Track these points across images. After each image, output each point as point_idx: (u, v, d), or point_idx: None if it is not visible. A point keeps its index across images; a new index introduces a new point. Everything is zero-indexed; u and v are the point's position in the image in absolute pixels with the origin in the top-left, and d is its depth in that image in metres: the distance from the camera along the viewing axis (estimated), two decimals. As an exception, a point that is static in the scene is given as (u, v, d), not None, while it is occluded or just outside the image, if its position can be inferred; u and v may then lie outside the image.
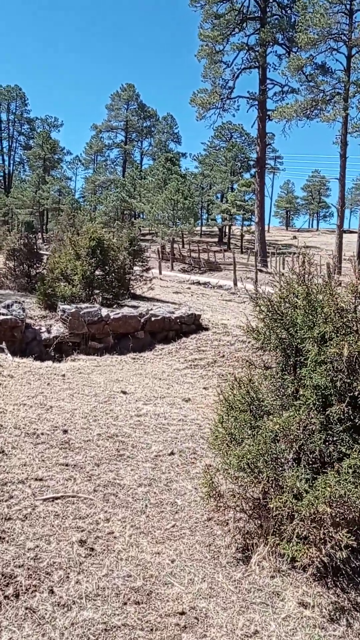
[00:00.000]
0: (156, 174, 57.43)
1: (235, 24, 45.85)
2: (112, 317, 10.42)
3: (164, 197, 48.16)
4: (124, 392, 7.45)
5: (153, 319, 10.87)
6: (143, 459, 5.05)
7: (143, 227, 65.04)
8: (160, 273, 33.69)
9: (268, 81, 47.81)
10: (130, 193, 66.14)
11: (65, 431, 5.56)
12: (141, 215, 69.21)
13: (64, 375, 8.05)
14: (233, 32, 46.97)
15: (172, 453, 5.26)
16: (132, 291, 15.13)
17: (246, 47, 47.32)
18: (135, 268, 15.35)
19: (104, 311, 10.51)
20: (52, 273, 11.54)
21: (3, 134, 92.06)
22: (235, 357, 9.55)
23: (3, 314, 9.50)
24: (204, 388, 8.27)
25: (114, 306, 11.29)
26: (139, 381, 8.27)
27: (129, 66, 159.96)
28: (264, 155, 49.99)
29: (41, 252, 28.45)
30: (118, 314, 10.55)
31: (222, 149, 69.19)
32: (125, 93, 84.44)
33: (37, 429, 5.49)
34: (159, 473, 4.73)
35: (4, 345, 9.21)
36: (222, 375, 8.88)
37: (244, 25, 46.26)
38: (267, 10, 45.85)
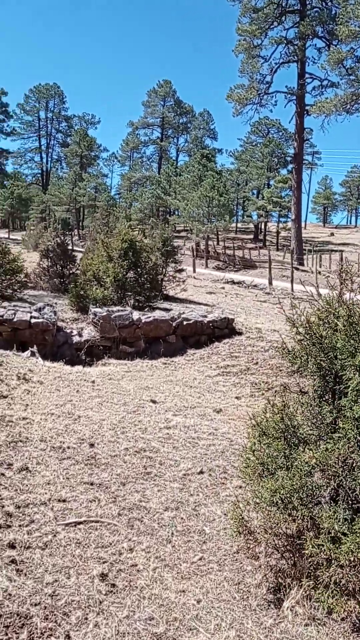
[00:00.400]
0: (191, 170, 57.05)
1: (274, 17, 45.09)
2: (143, 321, 10.25)
3: (199, 194, 47.80)
4: (154, 402, 7.27)
5: (185, 323, 10.66)
6: (171, 478, 4.84)
7: (178, 224, 64.88)
8: (194, 271, 33.45)
9: (307, 75, 46.90)
10: (165, 190, 66.02)
11: (92, 445, 5.40)
12: (176, 212, 69.03)
13: (93, 382, 7.92)
14: (272, 26, 46.22)
15: (201, 472, 5.04)
16: (164, 292, 14.95)
17: (285, 41, 46.49)
18: (168, 269, 15.14)
19: (135, 315, 10.36)
20: (85, 275, 11.45)
21: (41, 132, 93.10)
22: (269, 364, 9.25)
23: (35, 317, 9.45)
24: (236, 397, 8.02)
25: (146, 309, 11.12)
26: (170, 389, 8.08)
27: (166, 62, 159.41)
28: (302, 151, 49.12)
29: (76, 248, 28.50)
30: (149, 317, 10.38)
31: (258, 145, 68.33)
32: (162, 89, 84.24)
33: (64, 442, 5.35)
34: (187, 495, 4.52)
35: (35, 349, 9.16)
36: (256, 384, 8.61)
37: (283, 18, 45.43)
38: (307, 2, 44.90)
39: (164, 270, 15.03)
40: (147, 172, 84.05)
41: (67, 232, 49.34)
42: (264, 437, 3.60)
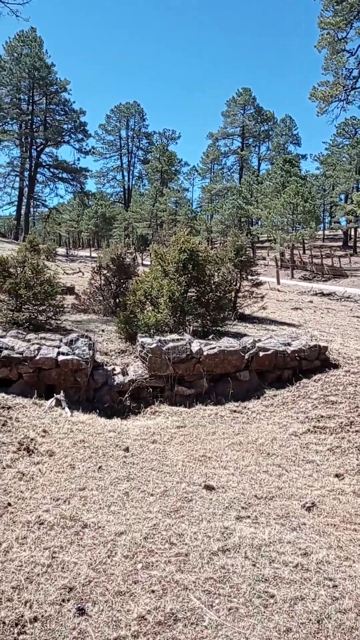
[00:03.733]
0: (274, 177, 54.22)
1: (359, 7, 41.59)
2: (205, 353, 7.82)
3: (282, 201, 44.84)
4: (209, 488, 4.80)
5: (261, 354, 8.10)
6: None
7: (260, 234, 62.01)
8: (278, 283, 30.62)
9: None
10: (247, 200, 63.40)
11: (80, 610, 3.04)
12: (258, 222, 66.18)
13: (127, 450, 5.59)
14: (358, 16, 42.72)
15: None
16: (240, 311, 12.45)
17: (373, 31, 42.75)
18: (244, 283, 12.63)
19: (195, 345, 7.94)
20: (135, 295, 9.23)
21: (123, 151, 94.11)
22: (382, 417, 6.47)
23: (63, 354, 7.31)
24: (337, 475, 5.34)
25: (210, 336, 8.68)
26: (236, 460, 5.56)
27: (244, 69, 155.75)
28: (395, 148, 44.77)
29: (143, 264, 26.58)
30: (213, 348, 7.93)
31: (345, 147, 64.07)
32: (241, 98, 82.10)
33: (31, 604, 3.03)
34: None
35: (62, 395, 7.00)
36: (364, 449, 5.87)
37: (370, 6, 41.73)
38: None
39: (238, 284, 12.54)
40: (228, 183, 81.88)
41: (143, 248, 48.16)
42: None
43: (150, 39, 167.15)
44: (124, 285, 11.89)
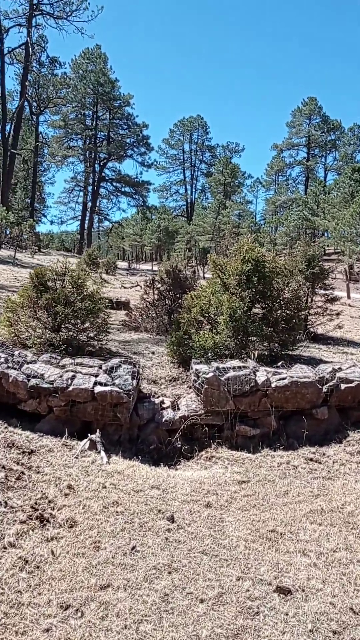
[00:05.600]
0: (342, 187, 51.90)
1: None
2: (273, 385, 6.39)
3: (351, 211, 42.53)
4: (283, 591, 3.39)
5: (344, 386, 6.57)
6: None
7: (327, 246, 59.56)
8: (349, 297, 28.47)
9: None
10: (313, 211, 61.14)
11: None
12: (325, 234, 63.64)
13: (171, 519, 4.25)
14: None
15: None
16: (311, 329, 10.90)
17: None
18: (316, 298, 11.09)
19: (261, 374, 6.52)
20: (190, 312, 7.94)
21: (186, 164, 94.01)
22: None
23: (101, 384, 6.10)
24: None
25: (280, 363, 7.24)
26: (318, 540, 4.09)
27: (309, 77, 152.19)
28: None
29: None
30: (284, 378, 6.49)
31: None
32: (307, 107, 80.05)
33: None
34: None
35: (97, 435, 5.77)
36: None
37: None
38: None
39: (309, 300, 11.01)
40: (293, 195, 79.65)
41: (205, 261, 46.99)
42: None
43: (211, 52, 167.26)
44: (179, 301, 10.64)
